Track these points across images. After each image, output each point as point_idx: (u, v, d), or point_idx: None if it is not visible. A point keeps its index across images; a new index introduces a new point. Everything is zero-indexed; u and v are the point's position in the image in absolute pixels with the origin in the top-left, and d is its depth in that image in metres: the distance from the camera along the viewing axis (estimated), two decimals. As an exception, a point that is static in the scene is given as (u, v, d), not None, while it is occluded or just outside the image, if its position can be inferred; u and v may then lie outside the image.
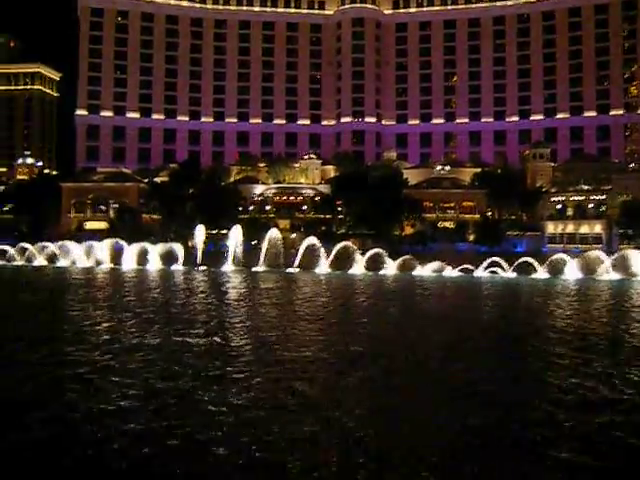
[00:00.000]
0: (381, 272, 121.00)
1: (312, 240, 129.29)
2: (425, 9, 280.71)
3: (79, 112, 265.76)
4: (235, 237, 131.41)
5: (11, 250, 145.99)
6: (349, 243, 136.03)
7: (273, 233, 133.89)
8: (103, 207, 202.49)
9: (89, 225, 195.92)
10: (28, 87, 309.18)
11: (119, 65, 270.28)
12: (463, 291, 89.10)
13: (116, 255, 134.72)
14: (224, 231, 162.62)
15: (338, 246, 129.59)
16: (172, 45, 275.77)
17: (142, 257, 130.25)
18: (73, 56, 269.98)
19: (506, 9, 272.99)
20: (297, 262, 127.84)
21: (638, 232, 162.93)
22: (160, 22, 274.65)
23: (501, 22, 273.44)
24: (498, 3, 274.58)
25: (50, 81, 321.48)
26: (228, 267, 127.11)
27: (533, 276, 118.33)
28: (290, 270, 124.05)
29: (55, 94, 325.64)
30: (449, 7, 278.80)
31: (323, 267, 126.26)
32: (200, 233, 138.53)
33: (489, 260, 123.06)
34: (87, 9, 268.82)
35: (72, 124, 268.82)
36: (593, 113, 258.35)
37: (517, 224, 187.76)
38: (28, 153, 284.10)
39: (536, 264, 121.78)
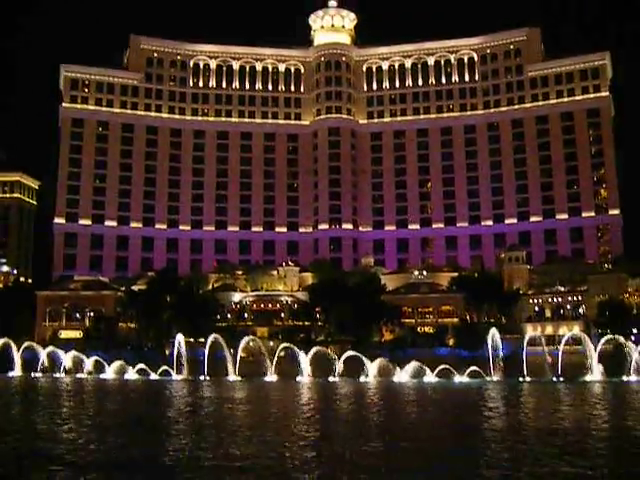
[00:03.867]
0: (361, 379, 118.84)
1: (286, 346, 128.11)
2: (399, 119, 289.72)
3: (57, 220, 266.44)
4: (210, 346, 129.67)
5: None
6: (322, 348, 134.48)
7: (245, 341, 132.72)
8: (79, 315, 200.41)
9: (64, 334, 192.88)
10: (7, 195, 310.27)
11: (98, 174, 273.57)
12: (443, 400, 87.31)
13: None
14: (201, 339, 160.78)
15: (312, 352, 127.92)
16: (151, 155, 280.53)
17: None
18: (53, 164, 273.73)
19: (476, 118, 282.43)
20: (273, 370, 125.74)
21: (616, 332, 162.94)
22: (140, 132, 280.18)
23: (472, 130, 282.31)
24: (468, 112, 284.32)
25: (29, 190, 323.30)
26: (204, 376, 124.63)
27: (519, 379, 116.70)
28: (268, 379, 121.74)
29: (34, 202, 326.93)
30: (422, 116, 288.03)
31: (304, 375, 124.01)
32: (181, 343, 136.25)
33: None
34: (68, 119, 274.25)
35: (50, 232, 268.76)
36: (565, 216, 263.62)
37: (496, 327, 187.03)
38: (4, 261, 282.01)
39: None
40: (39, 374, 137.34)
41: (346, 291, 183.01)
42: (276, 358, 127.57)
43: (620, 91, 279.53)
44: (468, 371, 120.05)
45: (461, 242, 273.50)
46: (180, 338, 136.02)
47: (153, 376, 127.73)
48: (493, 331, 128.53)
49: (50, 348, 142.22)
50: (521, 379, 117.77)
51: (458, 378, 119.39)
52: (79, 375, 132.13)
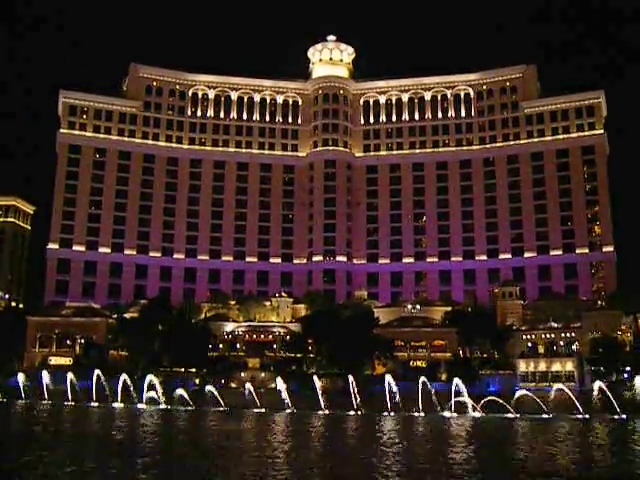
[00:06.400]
0: (351, 412, 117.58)
1: (264, 377, 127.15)
2: (395, 152, 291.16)
3: (51, 246, 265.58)
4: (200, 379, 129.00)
5: None
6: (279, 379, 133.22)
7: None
8: (69, 342, 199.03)
9: (54, 360, 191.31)
10: (2, 219, 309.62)
11: (94, 201, 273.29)
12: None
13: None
14: (192, 369, 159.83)
15: (277, 381, 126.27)
16: (147, 182, 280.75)
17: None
18: (49, 190, 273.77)
19: (472, 153, 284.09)
20: (259, 402, 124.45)
21: (609, 369, 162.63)
22: (137, 160, 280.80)
23: (467, 165, 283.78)
24: (464, 147, 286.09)
25: (24, 214, 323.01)
26: (191, 407, 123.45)
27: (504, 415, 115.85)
28: (256, 410, 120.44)
29: (28, 227, 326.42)
30: (417, 151, 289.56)
31: (289, 407, 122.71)
32: (153, 380, 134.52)
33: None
34: (65, 145, 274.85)
35: (43, 257, 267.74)
36: (559, 252, 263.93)
37: (489, 362, 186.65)
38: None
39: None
40: (22, 401, 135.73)
41: (339, 323, 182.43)
42: (249, 389, 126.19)
43: (615, 128, 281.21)
44: (453, 405, 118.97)
45: (455, 277, 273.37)
46: (151, 377, 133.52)
47: (140, 405, 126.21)
48: (456, 380, 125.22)
49: (21, 375, 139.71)
50: (510, 415, 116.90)
51: (446, 413, 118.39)
52: (65, 402, 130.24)
